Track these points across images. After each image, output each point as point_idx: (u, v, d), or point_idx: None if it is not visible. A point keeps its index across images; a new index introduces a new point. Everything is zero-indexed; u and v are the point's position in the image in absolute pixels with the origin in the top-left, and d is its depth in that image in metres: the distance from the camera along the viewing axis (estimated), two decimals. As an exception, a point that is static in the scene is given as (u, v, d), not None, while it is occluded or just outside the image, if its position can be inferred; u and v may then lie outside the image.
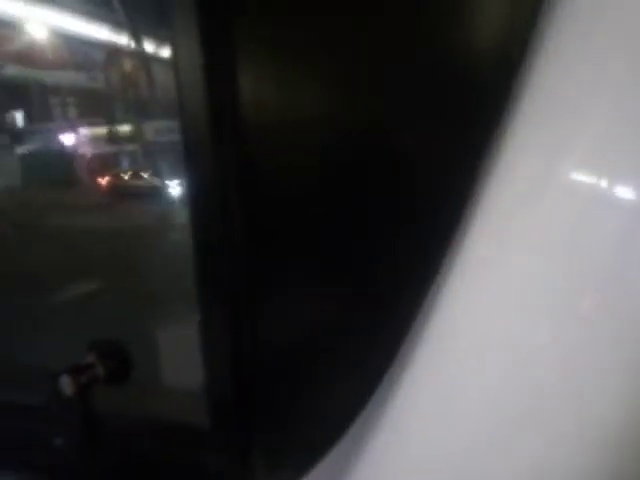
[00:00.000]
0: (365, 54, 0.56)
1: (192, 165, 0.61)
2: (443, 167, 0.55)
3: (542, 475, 0.42)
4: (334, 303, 0.61)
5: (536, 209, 0.43)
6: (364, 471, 0.50)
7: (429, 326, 0.47)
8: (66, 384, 0.74)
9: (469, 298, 0.46)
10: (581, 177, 0.42)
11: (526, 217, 0.43)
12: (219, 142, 0.60)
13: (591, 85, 0.42)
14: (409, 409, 0.48)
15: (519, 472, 0.43)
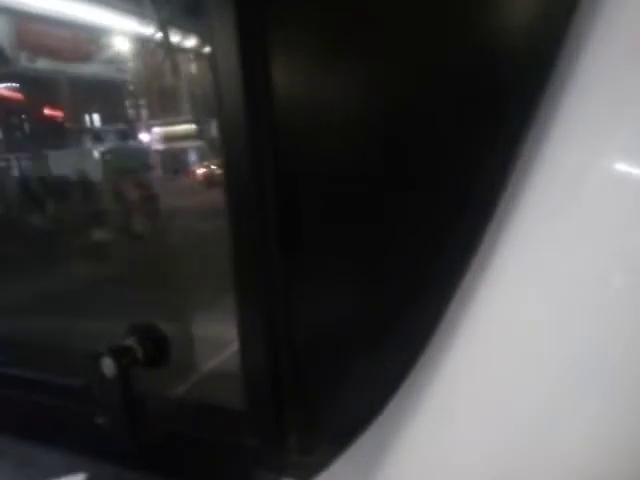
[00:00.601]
0: (399, 44, 0.56)
1: (229, 156, 0.63)
2: (476, 157, 0.55)
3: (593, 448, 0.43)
4: (368, 287, 0.62)
5: (580, 199, 0.43)
6: (403, 451, 0.51)
7: (468, 310, 0.47)
8: (107, 366, 0.77)
9: (509, 287, 0.46)
10: (626, 167, 0.42)
11: (570, 207, 0.43)
12: (254, 132, 0.61)
13: (635, 75, 0.41)
14: (453, 386, 0.49)
15: (571, 448, 0.43)
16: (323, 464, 0.62)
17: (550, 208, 0.44)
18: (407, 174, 0.58)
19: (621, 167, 0.41)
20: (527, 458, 0.45)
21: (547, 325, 0.44)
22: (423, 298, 0.56)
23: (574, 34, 0.45)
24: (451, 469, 0.50)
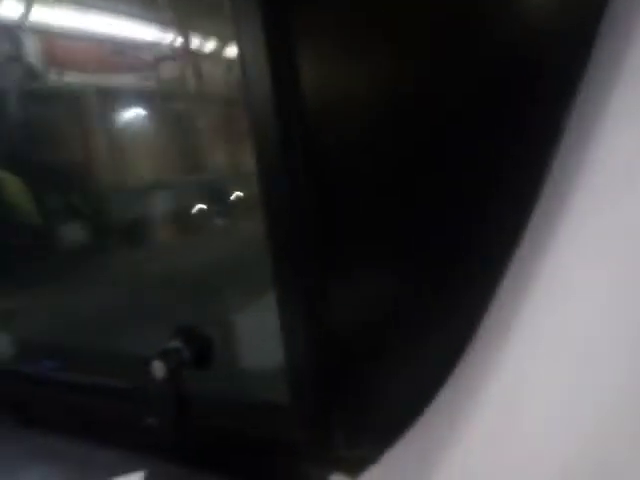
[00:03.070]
0: (425, 30, 0.55)
1: (261, 151, 0.63)
2: (511, 144, 0.53)
3: None
4: (409, 279, 0.61)
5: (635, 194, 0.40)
6: (458, 444, 0.49)
7: (518, 297, 0.45)
8: (157, 368, 0.79)
9: (565, 274, 0.43)
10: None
11: (627, 194, 0.40)
12: (285, 127, 0.61)
13: None
14: (503, 378, 0.47)
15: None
16: (372, 458, 0.62)
17: (604, 196, 0.41)
18: (442, 157, 0.56)
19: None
20: (591, 460, 0.42)
21: (609, 316, 0.41)
22: (469, 284, 0.54)
23: (618, 9, 0.42)
24: (510, 464, 0.47)
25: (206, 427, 0.83)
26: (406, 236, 0.59)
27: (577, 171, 0.42)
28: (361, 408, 0.67)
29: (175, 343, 0.81)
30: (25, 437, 1.04)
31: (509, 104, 0.52)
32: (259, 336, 0.87)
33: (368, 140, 0.60)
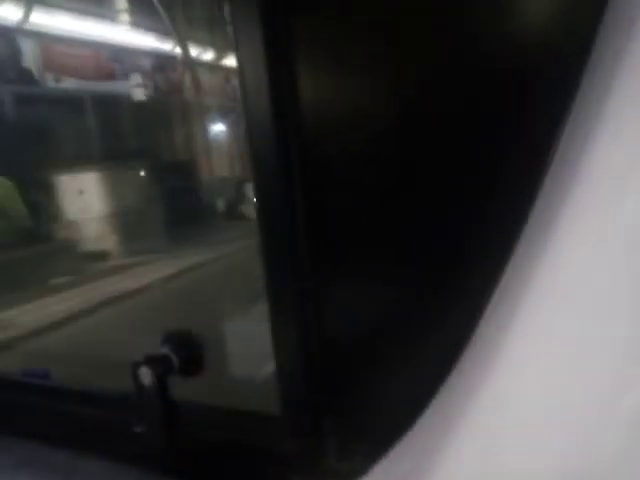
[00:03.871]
0: (416, 47, 0.55)
1: (257, 160, 0.63)
2: (512, 144, 0.53)
3: None
4: (409, 281, 0.60)
5: (629, 199, 0.40)
6: (448, 454, 0.48)
7: (511, 303, 0.44)
8: (144, 374, 0.78)
9: (555, 281, 0.43)
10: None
11: (618, 207, 0.40)
12: (282, 134, 0.61)
13: None
14: (498, 384, 0.46)
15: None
16: (362, 470, 0.61)
17: (598, 206, 0.41)
18: (444, 161, 0.56)
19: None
20: (590, 459, 0.41)
21: (609, 319, 0.41)
22: (468, 284, 0.54)
23: (615, 18, 0.42)
24: (509, 464, 0.46)
25: (195, 436, 0.81)
26: (408, 240, 0.59)
27: (577, 165, 0.42)
28: (358, 414, 0.66)
29: (164, 349, 0.80)
30: (10, 447, 1.03)
31: (509, 105, 0.52)
32: (250, 344, 0.86)
33: (368, 146, 0.59)
